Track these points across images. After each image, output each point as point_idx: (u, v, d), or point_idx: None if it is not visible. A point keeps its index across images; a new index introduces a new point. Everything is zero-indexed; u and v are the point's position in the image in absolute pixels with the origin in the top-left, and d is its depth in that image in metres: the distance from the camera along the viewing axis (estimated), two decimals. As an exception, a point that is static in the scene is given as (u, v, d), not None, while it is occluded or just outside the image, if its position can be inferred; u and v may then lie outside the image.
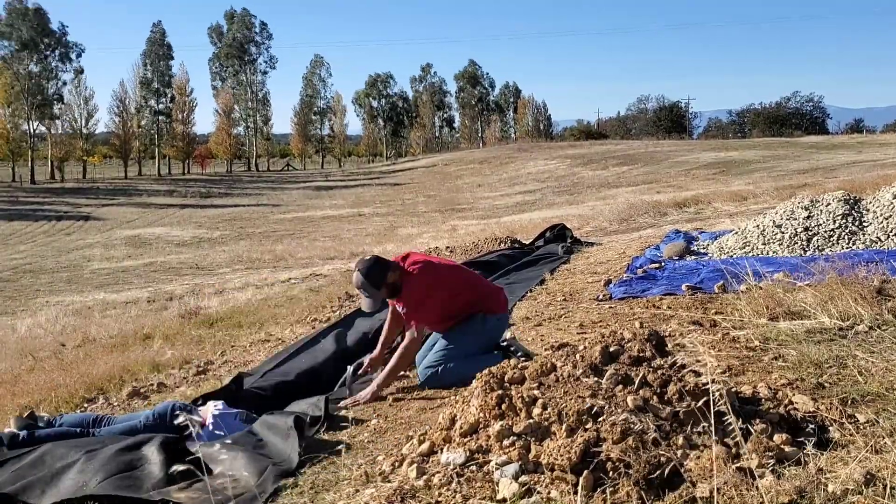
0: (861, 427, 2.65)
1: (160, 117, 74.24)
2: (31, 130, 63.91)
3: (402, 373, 4.25)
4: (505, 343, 4.36)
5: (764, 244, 7.76)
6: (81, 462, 3.17)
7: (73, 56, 66.39)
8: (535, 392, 2.79)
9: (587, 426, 2.52)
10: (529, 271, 8.18)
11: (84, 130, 67.34)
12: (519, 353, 4.12)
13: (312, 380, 4.49)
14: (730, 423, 2.45)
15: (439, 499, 2.43)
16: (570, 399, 2.67)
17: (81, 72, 67.15)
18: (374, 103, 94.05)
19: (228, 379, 4.79)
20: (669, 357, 2.91)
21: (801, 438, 2.53)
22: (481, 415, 2.77)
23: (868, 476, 2.16)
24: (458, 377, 3.88)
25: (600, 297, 6.22)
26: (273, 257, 20.82)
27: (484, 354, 4.14)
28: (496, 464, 2.49)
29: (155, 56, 74.23)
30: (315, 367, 4.69)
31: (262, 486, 2.87)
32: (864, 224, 7.55)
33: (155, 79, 73.79)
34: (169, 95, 74.18)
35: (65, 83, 66.22)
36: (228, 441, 3.32)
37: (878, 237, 7.31)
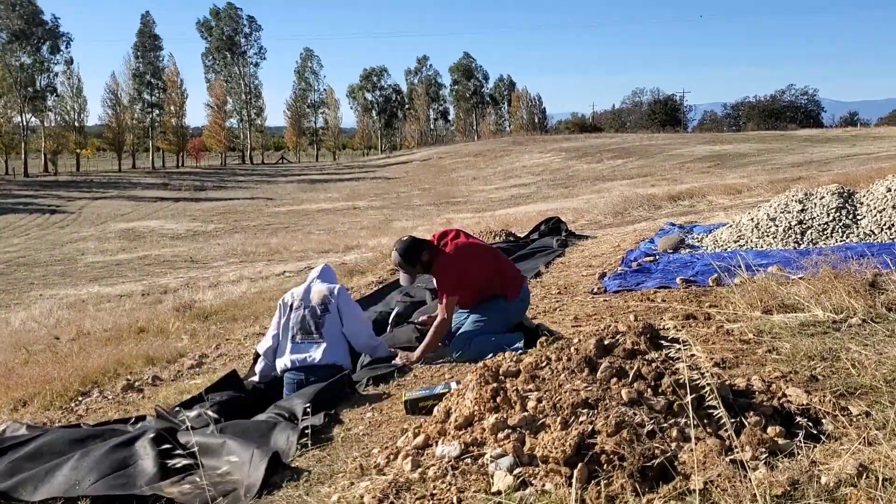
0: (854, 419, 2.66)
1: (154, 110, 73.81)
2: (24, 123, 63.52)
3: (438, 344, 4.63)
4: (533, 326, 4.69)
5: (758, 237, 7.77)
6: (76, 459, 3.15)
7: (62, 46, 66.02)
8: (530, 385, 2.79)
9: (582, 419, 2.52)
10: (524, 264, 8.17)
11: (76, 123, 66.96)
12: (543, 331, 4.38)
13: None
14: (721, 417, 2.45)
15: (434, 491, 2.43)
16: (565, 392, 2.67)
17: (71, 62, 66.82)
18: (369, 96, 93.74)
19: (223, 372, 4.78)
20: (664, 350, 2.91)
21: (795, 431, 2.54)
22: (476, 408, 2.78)
23: (861, 468, 2.17)
24: (489, 348, 4.14)
25: (595, 290, 6.23)
26: (268, 250, 20.76)
27: (507, 332, 4.51)
28: (491, 456, 2.49)
29: (144, 48, 73.75)
30: None
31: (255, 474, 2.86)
32: (858, 217, 7.57)
33: (148, 71, 73.36)
34: (160, 87, 73.70)
35: (56, 75, 65.91)
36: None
37: (871, 230, 7.33)
